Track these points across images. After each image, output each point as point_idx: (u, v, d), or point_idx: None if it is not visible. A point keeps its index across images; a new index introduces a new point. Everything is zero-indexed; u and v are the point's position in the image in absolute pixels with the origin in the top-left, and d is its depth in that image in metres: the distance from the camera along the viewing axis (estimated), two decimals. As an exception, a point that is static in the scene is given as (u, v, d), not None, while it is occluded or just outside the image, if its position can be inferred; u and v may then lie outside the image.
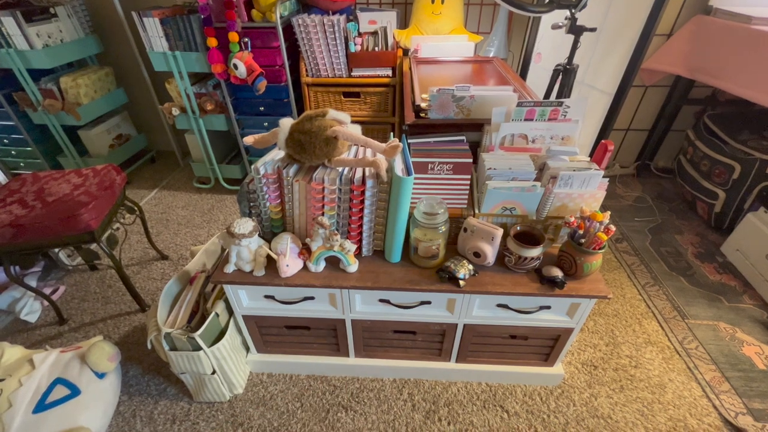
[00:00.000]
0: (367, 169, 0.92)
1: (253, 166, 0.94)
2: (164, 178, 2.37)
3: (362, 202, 0.91)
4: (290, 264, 0.93)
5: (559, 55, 1.56)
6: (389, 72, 1.77)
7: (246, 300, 1.06)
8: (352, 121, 0.93)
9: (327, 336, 1.14)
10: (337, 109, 0.90)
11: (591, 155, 1.00)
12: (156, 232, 1.89)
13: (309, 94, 1.82)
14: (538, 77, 1.90)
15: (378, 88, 1.79)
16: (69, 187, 1.27)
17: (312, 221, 0.93)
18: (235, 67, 1.60)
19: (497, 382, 1.20)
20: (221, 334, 1.08)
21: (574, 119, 0.97)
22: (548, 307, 1.00)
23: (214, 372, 1.07)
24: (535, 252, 0.93)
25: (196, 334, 0.98)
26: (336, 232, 0.92)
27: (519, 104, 0.95)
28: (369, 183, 0.88)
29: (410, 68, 1.52)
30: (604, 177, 0.92)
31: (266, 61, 1.69)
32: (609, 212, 0.91)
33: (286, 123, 0.90)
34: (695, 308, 1.46)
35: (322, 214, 0.95)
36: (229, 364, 1.10)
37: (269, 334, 1.16)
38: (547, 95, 1.63)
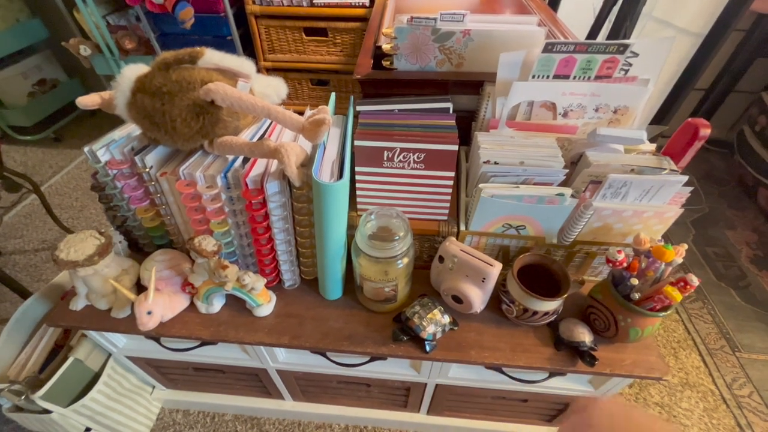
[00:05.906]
0: (273, 162, 0.53)
1: (87, 148, 0.57)
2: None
3: (266, 216, 0.54)
4: (155, 310, 0.58)
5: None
6: (366, -1, 1.29)
7: (122, 340, 0.73)
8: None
9: (250, 380, 0.83)
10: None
11: (651, 139, 0.61)
12: (80, 206, 1.54)
13: (259, 30, 1.36)
14: (578, 11, 1.32)
15: (351, 22, 1.32)
16: None
17: (188, 243, 0.57)
18: (146, -15, 1.14)
19: (482, 437, 0.91)
20: (95, 378, 0.77)
21: (642, 77, 0.56)
22: (562, 374, 0.67)
23: (89, 429, 0.78)
24: (552, 305, 0.57)
25: (38, 395, 0.67)
26: (226, 262, 0.56)
27: (547, 47, 0.53)
28: (271, 188, 0.51)
29: (389, -9, 1.05)
30: (685, 185, 0.53)
31: (194, -21, 1.22)
32: (685, 246, 0.53)
33: (128, 74, 0.51)
34: (749, 336, 1.12)
35: (211, 233, 0.58)
36: (112, 416, 0.80)
37: (173, 374, 0.85)
38: (592, 35, 1.09)
